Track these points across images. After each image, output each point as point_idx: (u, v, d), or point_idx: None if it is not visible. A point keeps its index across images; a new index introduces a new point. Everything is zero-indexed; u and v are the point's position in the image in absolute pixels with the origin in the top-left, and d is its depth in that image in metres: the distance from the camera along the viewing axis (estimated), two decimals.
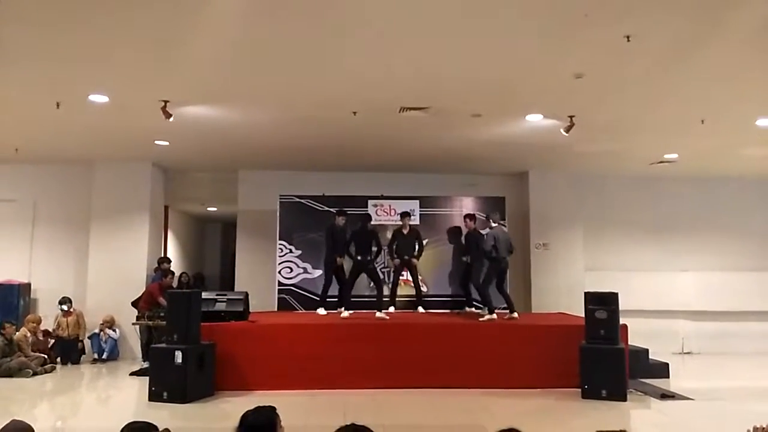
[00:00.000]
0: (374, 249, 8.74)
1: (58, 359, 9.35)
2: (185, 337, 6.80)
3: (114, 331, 9.89)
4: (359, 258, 8.51)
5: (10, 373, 8.18)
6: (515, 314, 8.22)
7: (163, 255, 11.21)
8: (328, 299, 8.91)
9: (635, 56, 5.57)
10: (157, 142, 9.05)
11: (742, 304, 10.90)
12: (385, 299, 8.69)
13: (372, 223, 9.29)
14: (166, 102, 6.97)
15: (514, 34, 5.21)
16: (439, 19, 4.91)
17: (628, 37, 5.12)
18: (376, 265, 9.41)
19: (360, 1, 4.57)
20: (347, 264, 8.84)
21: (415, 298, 9.31)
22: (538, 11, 4.76)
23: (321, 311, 8.67)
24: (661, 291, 10.95)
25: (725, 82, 6.31)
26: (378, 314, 8.15)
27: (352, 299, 8.66)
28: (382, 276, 9.57)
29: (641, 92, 6.70)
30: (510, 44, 5.42)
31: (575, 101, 7.00)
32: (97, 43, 5.41)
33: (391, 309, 8.86)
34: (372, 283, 8.94)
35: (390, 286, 9.34)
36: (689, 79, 6.25)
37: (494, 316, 8.09)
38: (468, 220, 9.27)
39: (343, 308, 8.41)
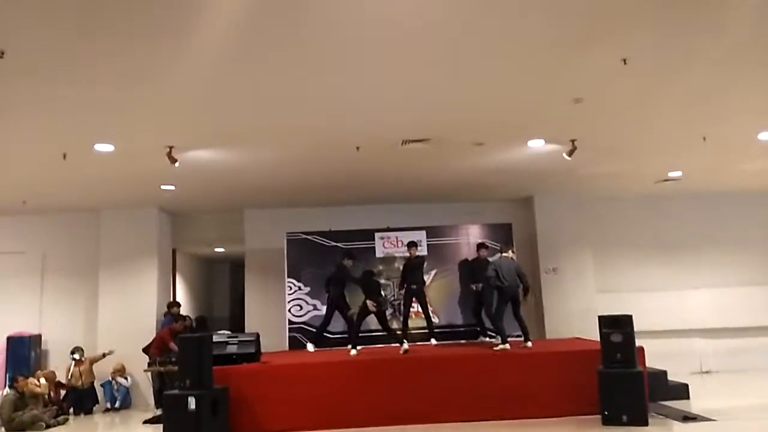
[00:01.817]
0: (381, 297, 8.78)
1: (71, 410, 9.27)
2: (198, 382, 6.74)
3: (125, 378, 9.82)
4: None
5: (23, 427, 8.11)
6: (529, 343, 8.12)
7: (172, 299, 11.18)
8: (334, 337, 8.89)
9: (633, 78, 5.62)
10: (163, 187, 9.12)
11: (758, 319, 10.78)
12: (399, 332, 8.68)
13: (379, 255, 9.30)
14: (171, 147, 7.04)
15: (511, 62, 5.26)
16: (436, 52, 4.97)
17: (624, 60, 5.18)
18: (387, 298, 9.38)
19: (357, 37, 4.63)
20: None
21: (427, 330, 9.22)
22: (535, 39, 4.82)
23: (354, 352, 8.24)
24: (674, 310, 10.85)
25: (724, 97, 6.34)
26: (403, 346, 8.08)
27: (360, 335, 8.61)
28: (392, 309, 9.62)
29: (641, 113, 6.72)
30: (508, 72, 5.47)
31: (576, 125, 7.03)
32: (101, 93, 5.49)
33: (405, 345, 8.76)
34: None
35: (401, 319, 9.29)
36: (688, 97, 6.28)
37: (507, 345, 7.98)
38: (482, 249, 9.28)
39: (350, 347, 8.30)
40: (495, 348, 8.03)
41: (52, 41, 4.46)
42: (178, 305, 10.49)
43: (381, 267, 10.07)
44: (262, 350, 8.12)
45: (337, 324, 9.20)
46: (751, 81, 5.91)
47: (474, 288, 9.28)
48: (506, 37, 4.74)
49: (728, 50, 5.18)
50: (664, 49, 5.09)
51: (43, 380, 8.84)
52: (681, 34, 4.82)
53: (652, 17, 4.52)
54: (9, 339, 10.01)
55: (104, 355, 9.58)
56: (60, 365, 9.78)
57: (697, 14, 4.49)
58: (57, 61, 4.82)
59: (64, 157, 7.16)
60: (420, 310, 9.31)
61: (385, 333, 8.57)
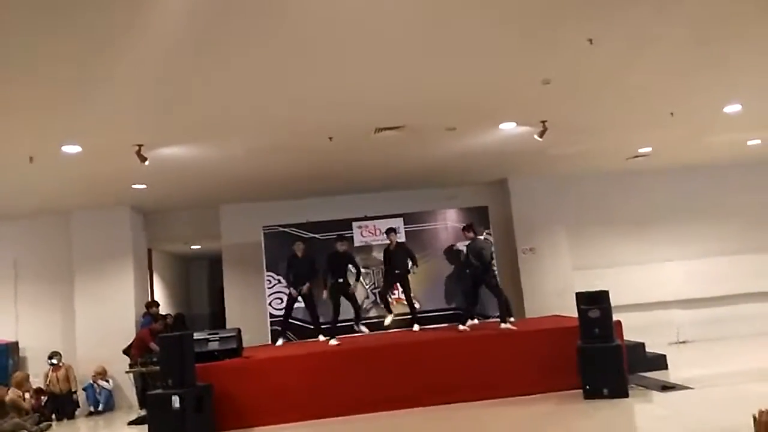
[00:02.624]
0: (353, 271, 8.84)
1: (53, 416, 9.16)
2: (181, 380, 6.69)
3: (107, 381, 9.72)
4: (339, 281, 8.50)
5: None
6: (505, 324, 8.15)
7: (150, 299, 11.07)
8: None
9: (599, 57, 5.67)
10: (134, 185, 8.99)
11: (731, 287, 11.03)
12: (364, 321, 8.87)
13: (357, 244, 9.28)
14: (140, 146, 6.94)
15: (480, 46, 5.27)
16: (405, 37, 4.96)
17: (590, 40, 5.22)
18: (367, 287, 9.42)
19: (325, 24, 4.60)
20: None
21: (409, 316, 9.27)
22: (501, 22, 4.84)
23: (334, 342, 8.11)
24: (649, 283, 11.05)
25: (689, 73, 6.43)
26: (360, 327, 8.26)
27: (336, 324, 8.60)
28: (373, 297, 9.70)
29: (609, 91, 6.80)
30: (477, 56, 5.49)
31: (546, 106, 7.09)
32: (65, 94, 5.39)
33: (389, 319, 8.95)
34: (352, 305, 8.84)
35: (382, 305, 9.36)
36: (654, 74, 6.37)
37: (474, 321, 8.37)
38: (466, 231, 9.21)
39: (328, 337, 8.30)
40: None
41: (12, 42, 4.36)
42: (157, 305, 10.39)
43: (360, 256, 10.07)
44: (245, 345, 8.10)
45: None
46: (716, 57, 6.01)
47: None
48: (474, 20, 4.75)
49: (692, 29, 5.27)
50: (629, 29, 5.15)
51: (16, 390, 8.69)
52: (645, 14, 4.88)
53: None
54: None
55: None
56: (39, 372, 9.64)
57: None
58: (18, 62, 4.71)
59: (31, 160, 7.00)
60: (402, 296, 9.36)
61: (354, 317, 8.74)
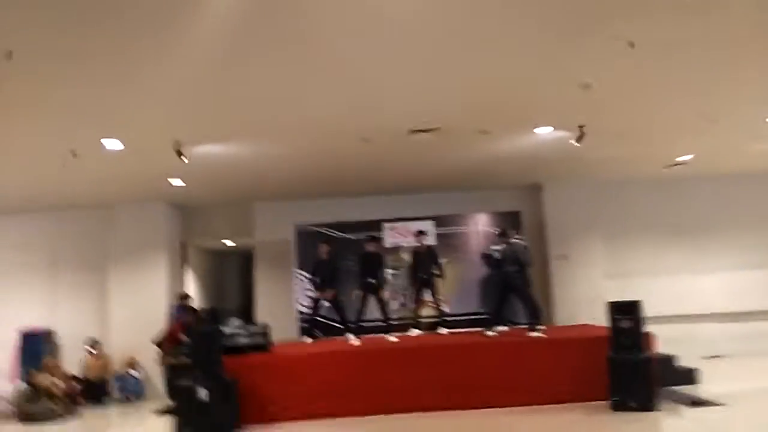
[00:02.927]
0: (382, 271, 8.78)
1: (84, 402, 9.39)
2: (208, 373, 6.80)
3: (137, 371, 9.93)
4: (369, 281, 8.50)
5: (36, 419, 8.23)
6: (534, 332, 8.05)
7: (182, 292, 11.27)
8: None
9: (640, 61, 5.57)
10: (172, 181, 9.17)
11: None
12: (392, 322, 8.69)
13: (388, 245, 9.34)
14: (179, 143, 7.08)
15: (517, 49, 5.24)
16: (440, 38, 4.95)
17: (632, 44, 5.13)
18: (396, 288, 9.43)
19: (360, 27, 4.63)
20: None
21: (436, 319, 9.23)
22: (540, 24, 4.79)
23: (356, 341, 8.20)
24: (685, 294, 10.78)
25: (732, 79, 6.28)
26: (388, 337, 8.15)
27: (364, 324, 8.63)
28: (403, 299, 9.69)
29: (649, 97, 6.68)
30: (514, 59, 5.45)
31: (584, 111, 6.99)
32: (107, 91, 5.54)
33: (415, 331, 8.82)
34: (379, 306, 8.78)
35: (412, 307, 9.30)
36: (695, 80, 6.24)
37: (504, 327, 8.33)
38: (501, 236, 9.05)
39: (351, 335, 8.33)
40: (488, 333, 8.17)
41: (56, 41, 4.51)
42: (189, 297, 10.56)
43: (390, 257, 10.08)
44: (273, 341, 8.17)
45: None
46: (758, 64, 5.85)
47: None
48: (511, 23, 4.72)
49: (732, 35, 5.14)
50: (671, 33, 5.05)
51: (48, 376, 8.92)
52: (687, 18, 4.78)
53: (656, 2, 4.49)
54: (22, 334, 10.14)
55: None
56: (73, 359, 9.90)
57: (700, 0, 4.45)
58: (62, 61, 4.87)
59: (74, 155, 7.21)
60: (430, 298, 9.31)
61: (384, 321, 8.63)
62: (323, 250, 8.87)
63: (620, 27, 4.85)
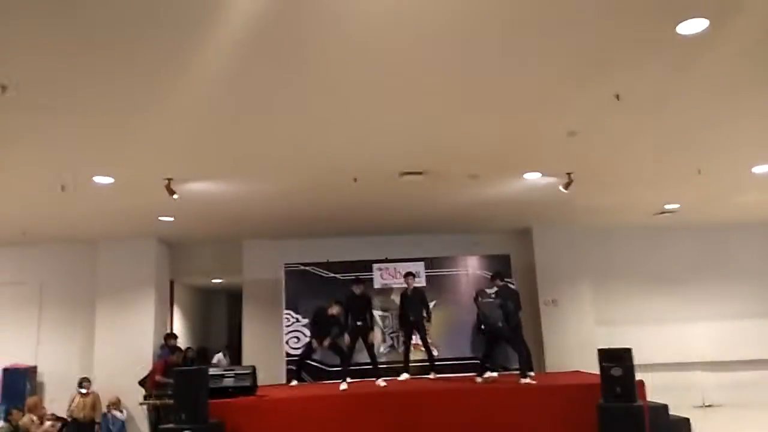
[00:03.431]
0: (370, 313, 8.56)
1: None
2: (193, 415, 6.64)
3: (121, 412, 9.71)
4: (357, 324, 8.41)
5: None
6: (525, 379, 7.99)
7: (169, 330, 11.12)
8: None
9: (626, 113, 5.69)
10: (161, 218, 9.14)
11: (760, 352, 10.69)
12: (381, 366, 8.51)
13: (377, 286, 9.33)
14: (169, 180, 7.09)
15: (504, 98, 5.34)
16: (433, 85, 5.04)
17: (617, 96, 5.24)
18: (386, 330, 9.35)
19: (354, 70, 4.70)
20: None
21: (426, 363, 9.13)
22: (529, 75, 4.90)
23: (344, 386, 7.94)
24: (675, 343, 10.78)
25: (717, 131, 6.42)
26: (378, 382, 8.02)
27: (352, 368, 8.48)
28: (391, 342, 9.59)
29: (636, 146, 6.79)
30: (503, 107, 5.55)
31: (572, 158, 7.09)
32: (99, 125, 5.55)
33: (405, 375, 8.71)
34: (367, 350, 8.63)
35: (402, 351, 9.19)
36: (682, 130, 6.36)
37: (495, 374, 8.34)
38: (493, 279, 9.02)
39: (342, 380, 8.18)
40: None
41: (50, 74, 4.53)
42: (175, 337, 10.42)
43: (379, 299, 10.02)
44: (260, 383, 8.04)
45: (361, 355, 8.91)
46: (743, 115, 5.99)
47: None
48: (501, 72, 4.82)
49: (717, 88, 5.27)
50: (656, 85, 5.17)
51: (30, 415, 8.69)
52: (671, 71, 4.90)
53: (642, 56, 4.61)
54: (5, 371, 9.92)
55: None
56: (56, 397, 9.67)
57: (684, 53, 4.57)
58: (55, 94, 4.88)
59: (62, 189, 7.19)
60: (419, 342, 9.22)
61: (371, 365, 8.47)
62: (333, 308, 8.63)
63: (605, 78, 4.97)
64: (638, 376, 7.02)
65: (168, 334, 10.47)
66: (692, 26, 4.17)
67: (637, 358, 6.98)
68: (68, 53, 4.23)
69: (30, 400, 9.11)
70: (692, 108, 5.74)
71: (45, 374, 10.23)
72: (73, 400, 9.47)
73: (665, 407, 8.22)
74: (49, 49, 4.17)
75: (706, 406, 10.55)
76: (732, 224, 11.28)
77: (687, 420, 8.16)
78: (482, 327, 8.48)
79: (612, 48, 4.47)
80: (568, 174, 7.50)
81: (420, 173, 7.37)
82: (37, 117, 5.31)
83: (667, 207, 9.83)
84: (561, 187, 7.70)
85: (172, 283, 11.75)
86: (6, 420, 8.41)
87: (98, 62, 4.37)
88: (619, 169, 7.68)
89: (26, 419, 8.59)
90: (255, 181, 7.61)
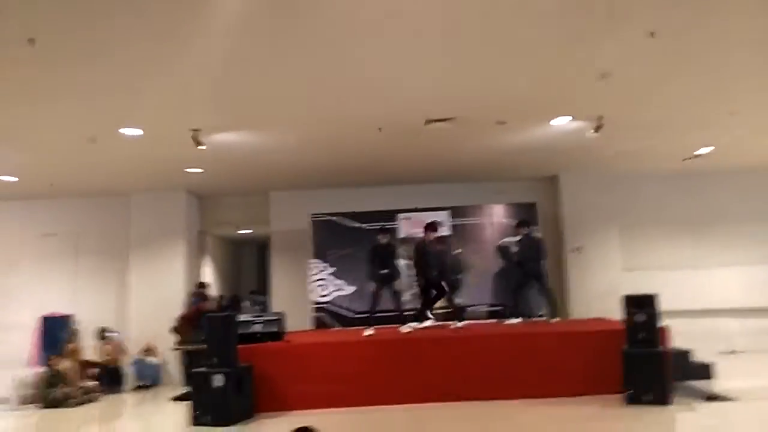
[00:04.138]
0: (395, 262, 8.68)
1: (101, 387, 9.55)
2: (224, 360, 6.88)
3: (155, 357, 10.07)
4: (383, 272, 8.49)
5: (55, 404, 8.39)
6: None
7: (200, 280, 11.40)
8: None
9: (660, 53, 5.51)
10: (189, 170, 9.25)
11: None
12: (407, 313, 8.64)
13: (402, 236, 9.43)
14: (196, 131, 7.14)
15: (534, 37, 5.20)
16: (456, 27, 4.93)
17: (652, 33, 5.07)
18: (411, 278, 9.48)
19: (375, 24, 4.63)
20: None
21: (451, 310, 9.21)
22: (559, 12, 4.75)
23: (370, 331, 8.12)
24: (702, 289, 10.68)
25: (751, 72, 6.19)
26: (402, 328, 8.16)
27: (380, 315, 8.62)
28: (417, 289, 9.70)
29: (669, 89, 6.61)
30: (531, 48, 5.42)
31: (603, 101, 6.93)
32: (125, 77, 5.59)
33: (429, 321, 8.77)
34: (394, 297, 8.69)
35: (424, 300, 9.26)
36: (715, 73, 6.16)
37: (519, 319, 8.60)
38: (519, 227, 9.10)
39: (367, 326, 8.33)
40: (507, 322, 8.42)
41: (75, 27, 4.55)
42: (206, 286, 10.67)
43: (405, 247, 10.07)
44: (288, 330, 8.24)
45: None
46: None
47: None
48: (530, 10, 4.68)
49: (756, 30, 5.06)
50: (692, 25, 4.98)
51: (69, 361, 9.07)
52: (708, 10, 4.71)
53: None
54: (44, 319, 10.32)
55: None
56: (90, 344, 10.06)
57: None
58: (81, 47, 4.92)
59: (93, 141, 7.30)
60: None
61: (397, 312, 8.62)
62: (382, 238, 8.67)
63: (641, 15, 4.79)
64: (666, 322, 7.02)
65: (200, 283, 10.73)
66: None
67: (664, 304, 6.97)
68: (96, 6, 4.24)
69: (71, 346, 9.50)
70: (727, 51, 5.54)
71: (82, 322, 10.61)
72: (96, 348, 9.87)
73: (687, 352, 8.24)
74: (68, 5, 4.18)
75: (732, 352, 10.51)
76: (762, 167, 10.96)
77: (711, 366, 8.16)
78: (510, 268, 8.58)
79: None
80: (599, 118, 7.33)
81: (446, 119, 7.29)
82: (65, 70, 5.37)
83: (698, 152, 9.59)
84: (591, 131, 7.56)
85: (202, 235, 11.96)
86: (48, 365, 8.80)
87: (126, 15, 4.38)
88: (650, 113, 7.48)
89: (66, 364, 8.98)
90: (280, 132, 7.63)
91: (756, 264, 10.88)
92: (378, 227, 9.19)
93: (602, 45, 5.39)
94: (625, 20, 4.89)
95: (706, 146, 9.34)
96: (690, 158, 9.88)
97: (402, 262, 9.37)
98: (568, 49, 5.45)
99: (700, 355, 8.36)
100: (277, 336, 7.82)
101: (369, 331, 8.07)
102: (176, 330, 9.79)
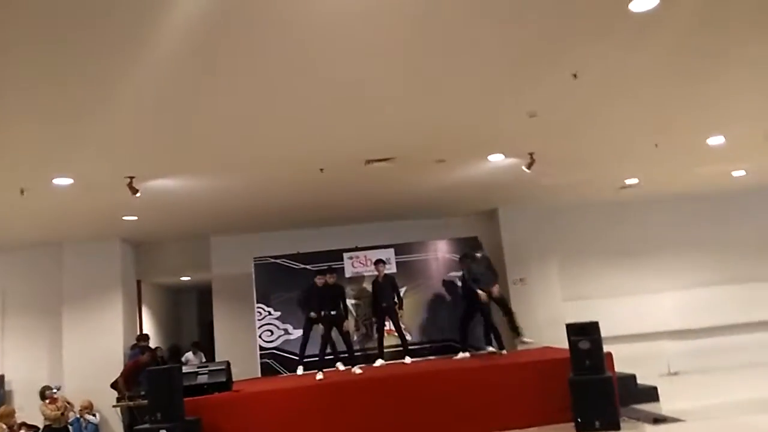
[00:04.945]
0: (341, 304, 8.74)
1: None
2: (169, 414, 6.61)
3: (94, 415, 9.57)
4: (330, 313, 8.48)
5: None
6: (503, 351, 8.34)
7: (139, 331, 10.99)
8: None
9: (583, 91, 5.78)
10: (125, 217, 8.99)
11: (721, 318, 11.04)
12: (356, 353, 8.73)
13: (348, 275, 9.50)
14: (131, 178, 6.97)
15: (465, 83, 5.40)
16: (396, 72, 5.06)
17: (574, 75, 5.34)
18: (359, 318, 9.46)
19: (316, 58, 4.68)
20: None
21: (401, 348, 9.22)
22: (488, 58, 4.95)
23: (320, 375, 8.01)
24: (641, 314, 11.05)
25: (671, 105, 6.57)
26: (353, 369, 8.12)
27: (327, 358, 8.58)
28: (364, 329, 9.71)
29: (594, 123, 6.92)
30: (465, 91, 5.60)
31: (533, 138, 7.19)
32: (57, 127, 5.42)
33: (380, 362, 8.81)
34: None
35: (376, 338, 9.29)
36: (638, 108, 6.50)
37: (467, 354, 8.63)
38: (461, 261, 9.44)
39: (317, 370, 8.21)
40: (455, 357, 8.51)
41: (5, 76, 4.41)
42: (147, 338, 10.28)
43: (351, 287, 10.05)
44: (234, 378, 8.01)
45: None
46: (695, 89, 6.15)
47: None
48: (461, 56, 4.86)
49: (668, 65, 5.41)
50: (611, 65, 5.28)
51: (1, 425, 8.50)
52: (626, 51, 5.01)
53: (597, 34, 4.70)
54: None
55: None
56: (25, 405, 9.46)
57: (636, 31, 4.67)
58: (11, 96, 4.75)
59: (22, 192, 7.02)
60: (392, 327, 9.30)
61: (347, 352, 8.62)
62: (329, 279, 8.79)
63: (562, 59, 5.05)
64: (607, 348, 7.21)
65: (140, 335, 10.33)
66: (643, 4, 4.26)
67: (604, 331, 7.17)
68: (21, 57, 4.13)
69: (3, 409, 8.90)
70: (646, 85, 5.88)
71: (13, 382, 10.01)
72: (44, 412, 9.26)
73: (633, 377, 8.48)
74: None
75: (673, 374, 10.87)
76: (691, 196, 11.58)
77: (655, 388, 8.42)
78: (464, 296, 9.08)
79: (567, 26, 4.54)
80: (530, 154, 7.61)
81: (386, 159, 7.39)
82: None
83: (628, 182, 10.05)
84: (524, 167, 7.81)
85: (139, 283, 11.58)
86: None
87: (52, 63, 4.27)
88: (579, 148, 7.82)
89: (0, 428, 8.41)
90: (218, 176, 7.53)
91: (690, 288, 11.37)
92: (325, 267, 9.15)
93: (529, 88, 5.64)
94: (549, 65, 5.14)
95: (634, 177, 9.80)
96: (622, 188, 10.33)
97: (350, 302, 9.36)
98: (498, 91, 5.68)
99: (643, 379, 8.62)
100: (225, 386, 7.58)
101: (320, 375, 7.94)
102: (115, 386, 9.35)
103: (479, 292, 8.66)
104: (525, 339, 8.54)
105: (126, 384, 9.17)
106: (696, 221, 11.75)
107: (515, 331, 8.71)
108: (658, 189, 10.87)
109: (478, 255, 9.09)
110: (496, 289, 8.75)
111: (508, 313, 8.78)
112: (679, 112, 6.81)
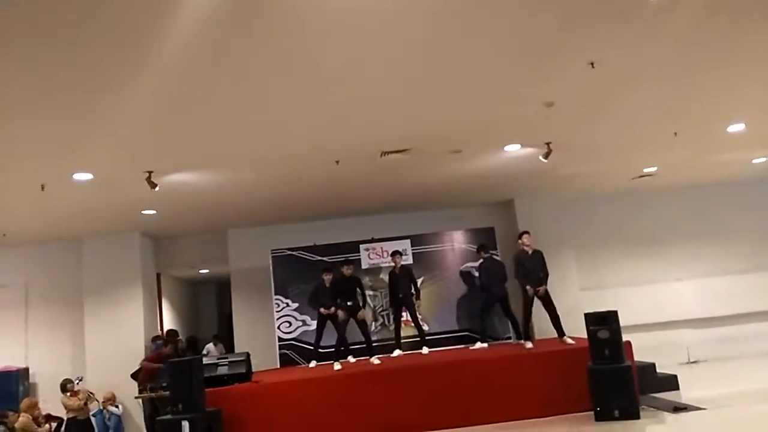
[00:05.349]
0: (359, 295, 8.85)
1: None
2: (190, 405, 6.71)
3: (117, 407, 9.72)
4: (348, 304, 8.57)
5: None
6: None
7: (160, 323, 11.12)
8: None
9: (601, 80, 5.73)
10: (143, 211, 9.08)
11: (741, 306, 10.97)
12: (374, 344, 8.78)
13: (365, 266, 9.53)
14: (150, 173, 7.04)
15: (482, 72, 5.36)
16: (412, 64, 5.05)
17: (592, 64, 5.30)
18: (376, 309, 9.52)
19: (332, 52, 4.68)
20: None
21: (418, 338, 9.26)
22: (505, 48, 4.92)
23: (338, 366, 8.20)
24: (660, 303, 11.00)
25: (691, 93, 6.49)
26: (371, 360, 8.18)
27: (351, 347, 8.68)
28: (381, 320, 9.76)
29: (612, 113, 6.86)
30: (481, 81, 5.57)
31: (550, 128, 7.14)
32: (77, 123, 5.48)
33: (397, 352, 8.86)
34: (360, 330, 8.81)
35: (393, 329, 9.34)
36: (656, 97, 6.43)
37: (485, 344, 8.73)
38: (480, 252, 9.57)
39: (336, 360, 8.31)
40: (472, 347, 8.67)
41: (25, 73, 4.47)
42: (176, 334, 10.31)
43: (368, 278, 10.10)
44: (253, 370, 8.10)
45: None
46: (715, 77, 6.07)
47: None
48: (478, 47, 4.84)
49: (685, 53, 5.35)
50: (629, 53, 5.23)
51: (26, 415, 8.64)
52: (644, 40, 4.96)
53: (616, 23, 4.65)
54: None
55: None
56: (48, 398, 9.63)
57: (653, 21, 4.62)
58: (31, 93, 4.81)
59: (42, 188, 7.11)
60: (409, 318, 9.35)
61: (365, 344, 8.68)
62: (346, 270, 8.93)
63: (580, 48, 5.01)
64: (625, 337, 7.19)
65: (169, 331, 10.35)
66: None
67: (624, 320, 7.15)
68: (39, 54, 4.18)
69: (25, 402, 9.05)
70: (664, 74, 5.81)
71: (37, 375, 10.19)
72: (66, 404, 9.41)
73: (653, 365, 8.45)
74: (20, 52, 4.11)
75: (692, 363, 10.81)
76: (710, 184, 11.47)
77: (674, 377, 8.38)
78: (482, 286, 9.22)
79: (584, 15, 4.50)
80: (547, 144, 7.57)
81: (401, 151, 7.39)
82: (11, 119, 5.24)
83: (646, 171, 9.97)
84: (541, 157, 7.77)
85: (159, 276, 11.71)
86: (1, 423, 8.38)
87: (70, 60, 4.32)
88: (596, 137, 7.75)
89: (23, 420, 8.57)
90: (236, 170, 7.58)
91: (709, 276, 11.29)
92: (340, 260, 9.20)
93: (546, 77, 5.60)
94: (566, 54, 5.11)
95: (652, 166, 9.72)
96: (640, 177, 10.25)
97: (367, 293, 9.43)
98: (514, 81, 5.64)
99: (662, 367, 8.59)
100: (245, 377, 7.68)
101: (338, 366, 8.01)
102: (137, 377, 9.48)
103: (528, 288, 8.61)
104: (568, 340, 8.47)
105: (148, 375, 9.29)
106: (715, 209, 11.65)
107: (560, 332, 8.62)
108: (676, 178, 10.77)
109: (530, 251, 8.92)
110: (542, 289, 8.65)
111: (555, 316, 8.66)
112: (698, 100, 6.74)
